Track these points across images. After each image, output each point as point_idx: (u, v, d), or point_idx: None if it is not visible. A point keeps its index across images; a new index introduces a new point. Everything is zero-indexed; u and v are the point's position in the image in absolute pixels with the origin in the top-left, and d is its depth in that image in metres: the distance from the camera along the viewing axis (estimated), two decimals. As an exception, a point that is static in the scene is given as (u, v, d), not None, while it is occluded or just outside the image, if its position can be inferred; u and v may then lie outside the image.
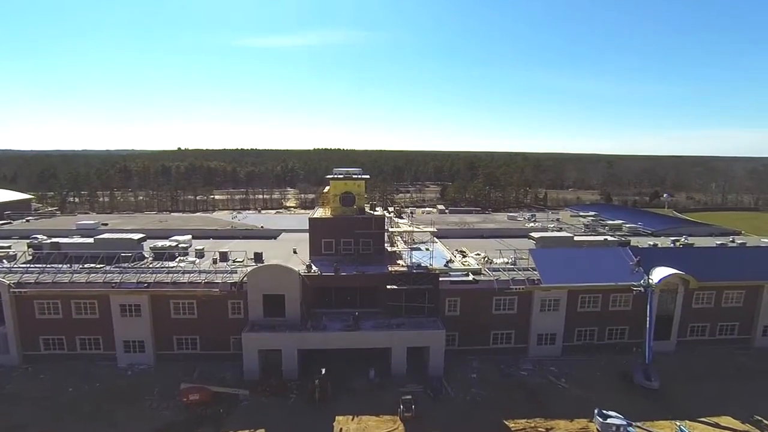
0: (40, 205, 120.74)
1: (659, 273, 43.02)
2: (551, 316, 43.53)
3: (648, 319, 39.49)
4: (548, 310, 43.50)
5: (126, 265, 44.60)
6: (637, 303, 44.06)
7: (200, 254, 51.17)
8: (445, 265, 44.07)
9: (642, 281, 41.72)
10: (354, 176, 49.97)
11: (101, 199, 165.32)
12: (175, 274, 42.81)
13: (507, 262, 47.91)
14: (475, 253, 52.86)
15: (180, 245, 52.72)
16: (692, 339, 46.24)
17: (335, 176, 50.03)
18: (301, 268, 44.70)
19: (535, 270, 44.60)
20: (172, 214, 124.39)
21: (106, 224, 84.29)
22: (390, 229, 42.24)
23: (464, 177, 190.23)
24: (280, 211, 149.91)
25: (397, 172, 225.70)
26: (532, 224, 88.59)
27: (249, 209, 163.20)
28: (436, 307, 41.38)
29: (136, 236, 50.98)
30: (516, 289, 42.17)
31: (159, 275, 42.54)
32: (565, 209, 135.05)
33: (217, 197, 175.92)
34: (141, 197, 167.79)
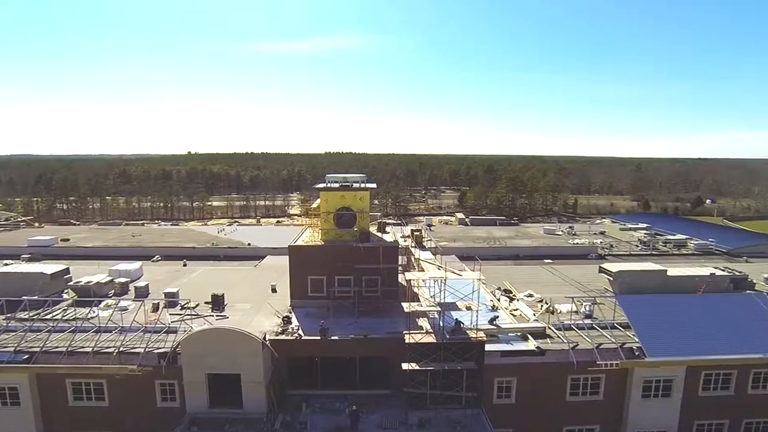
0: (14, 214, 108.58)
1: (834, 340, 27.22)
2: (659, 405, 27.95)
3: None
4: (654, 396, 27.95)
5: (12, 316, 30.21)
6: (790, 383, 28.43)
7: (143, 293, 36.87)
8: (490, 323, 28.81)
9: (809, 354, 26.08)
10: (354, 185, 35.11)
11: (91, 206, 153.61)
12: (83, 334, 28.39)
13: (577, 311, 32.53)
14: (526, 293, 37.51)
15: (117, 280, 38.46)
16: None
17: (328, 185, 35.22)
18: (272, 324, 30.01)
19: (629, 328, 29.22)
20: (160, 224, 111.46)
21: (67, 239, 71.18)
22: (407, 276, 27.03)
23: (483, 182, 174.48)
24: (281, 220, 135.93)
25: (411, 177, 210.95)
26: (578, 241, 72.90)
27: (250, 217, 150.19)
28: (480, 394, 26.19)
29: (51, 270, 36.68)
30: (606, 365, 26.73)
31: (56, 335, 28.14)
32: (601, 218, 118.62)
33: (215, 204, 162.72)
34: (134, 204, 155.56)
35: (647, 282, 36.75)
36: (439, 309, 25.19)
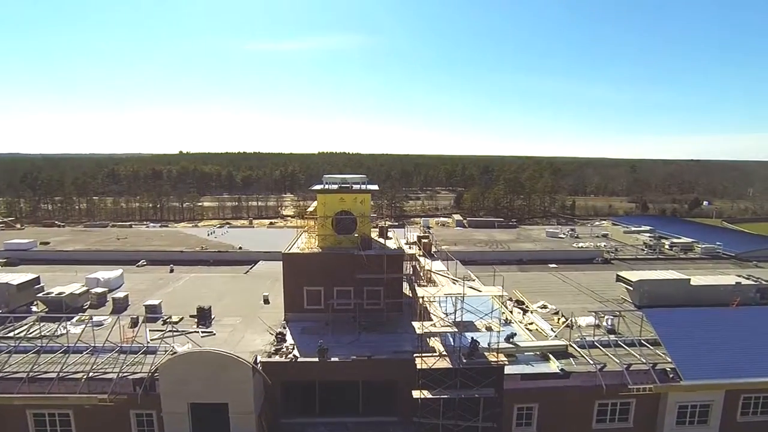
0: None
1: None
2: (695, 433, 25.30)
3: None
4: (690, 422, 25.22)
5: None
6: (835, 406, 25.85)
7: (121, 305, 33.58)
8: (507, 340, 25.88)
9: None
10: (354, 186, 32.12)
11: (78, 207, 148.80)
12: (48, 355, 25.05)
13: (598, 326, 29.74)
14: (540, 304, 34.69)
15: (94, 290, 35.01)
16: None
17: (326, 187, 32.19)
18: (264, 343, 26.96)
19: (658, 345, 26.53)
20: (149, 225, 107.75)
21: (47, 243, 67.46)
22: (419, 293, 23.75)
23: (479, 182, 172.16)
24: (274, 221, 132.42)
25: (406, 177, 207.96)
26: (582, 245, 70.47)
27: (242, 218, 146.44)
28: (500, 424, 23.26)
29: (19, 280, 33.17)
30: (638, 389, 23.96)
31: (17, 357, 24.79)
32: (600, 220, 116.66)
33: (206, 204, 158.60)
34: (122, 204, 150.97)
35: (670, 292, 34.18)
36: (456, 330, 22.18)
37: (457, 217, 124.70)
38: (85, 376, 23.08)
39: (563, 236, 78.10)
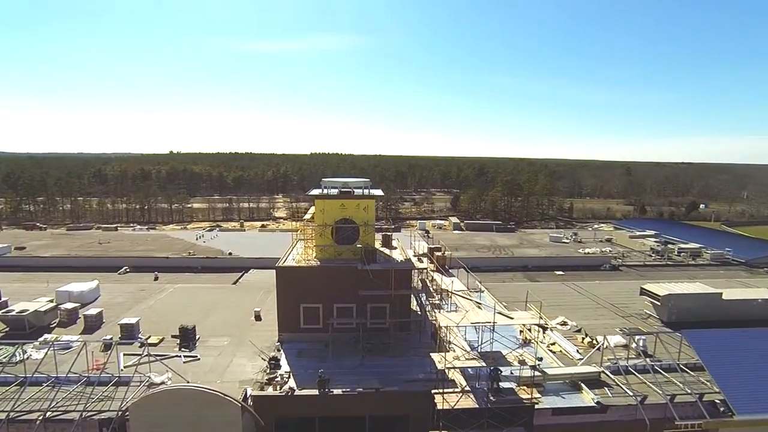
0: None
1: None
2: (746, 473, 22.31)
3: None
4: (741, 462, 22.30)
5: None
6: None
7: (94, 323, 29.91)
8: (533, 368, 22.66)
9: None
10: (356, 191, 28.79)
11: (61, 207, 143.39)
12: (0, 389, 21.38)
13: (627, 346, 26.66)
14: (559, 320, 31.59)
15: (63, 306, 31.25)
16: None
17: (325, 191, 28.82)
18: (256, 369, 23.53)
19: (700, 370, 23.57)
20: (136, 228, 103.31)
21: (23, 248, 63.35)
22: (441, 322, 20.41)
23: (475, 184, 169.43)
24: (266, 223, 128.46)
25: (400, 178, 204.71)
26: (588, 250, 67.79)
27: (233, 219, 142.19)
28: (529, 468, 20.06)
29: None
30: (685, 426, 20.90)
31: (-34, 393, 21.12)
32: (599, 223, 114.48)
33: (196, 206, 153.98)
34: (108, 205, 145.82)
35: (700, 307, 31.31)
36: (484, 365, 18.92)
37: (455, 219, 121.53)
38: (41, 417, 19.46)
39: (567, 241, 75.54)
